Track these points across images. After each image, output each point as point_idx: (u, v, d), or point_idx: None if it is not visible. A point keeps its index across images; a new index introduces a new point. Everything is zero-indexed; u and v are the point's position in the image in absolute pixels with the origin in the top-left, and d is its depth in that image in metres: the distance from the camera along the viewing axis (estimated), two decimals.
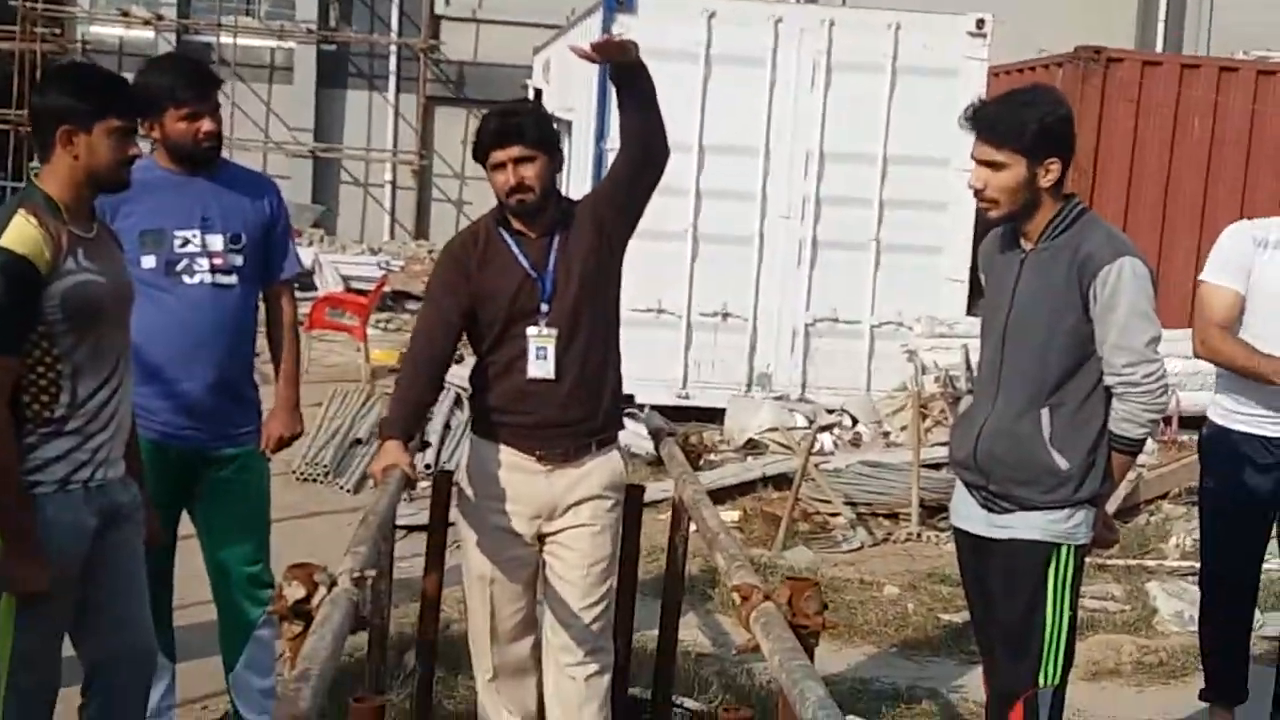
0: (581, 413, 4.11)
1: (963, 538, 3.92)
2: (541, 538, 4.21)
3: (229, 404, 4.48)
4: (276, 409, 4.64)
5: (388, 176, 21.91)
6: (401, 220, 22.15)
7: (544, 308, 4.05)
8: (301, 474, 8.60)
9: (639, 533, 4.48)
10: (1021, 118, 3.62)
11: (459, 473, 4.33)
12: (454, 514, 4.36)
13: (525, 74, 17.44)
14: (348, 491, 8.59)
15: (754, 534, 7.96)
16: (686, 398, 10.65)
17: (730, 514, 8.10)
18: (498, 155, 4.01)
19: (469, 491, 4.24)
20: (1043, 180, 3.64)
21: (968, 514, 3.85)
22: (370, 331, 12.72)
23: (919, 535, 8.10)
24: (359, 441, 9.21)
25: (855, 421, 10.35)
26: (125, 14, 20.84)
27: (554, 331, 4.05)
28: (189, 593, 4.91)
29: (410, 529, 7.75)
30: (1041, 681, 3.66)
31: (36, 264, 3.40)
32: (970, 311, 11.17)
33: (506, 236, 4.10)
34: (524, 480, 4.13)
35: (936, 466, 8.81)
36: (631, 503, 4.36)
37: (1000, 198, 3.66)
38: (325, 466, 8.75)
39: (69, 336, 3.49)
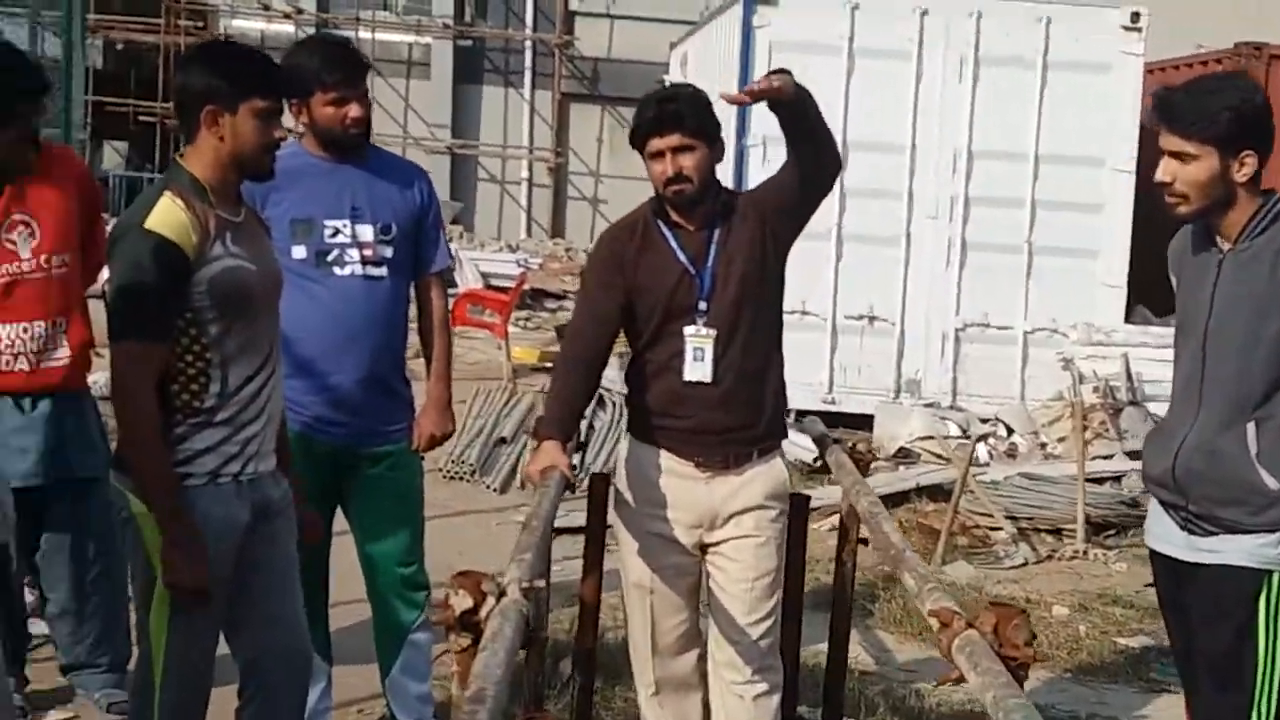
0: (741, 418, 3.92)
1: (1160, 561, 3.61)
2: (703, 548, 4.01)
3: (380, 399, 4.35)
4: (428, 406, 4.49)
5: (524, 174, 21.96)
6: (538, 218, 22.18)
7: (702, 305, 3.87)
8: (448, 472, 8.52)
9: (805, 544, 4.25)
10: (1212, 105, 3.33)
11: (616, 475, 4.15)
12: (611, 518, 4.17)
13: (660, 70, 17.27)
14: (494, 490, 8.50)
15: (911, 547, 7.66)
16: (833, 403, 10.35)
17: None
18: (655, 143, 3.82)
19: (627, 496, 4.05)
20: (1237, 174, 3.35)
21: (1165, 535, 3.55)
22: (510, 329, 12.65)
23: (1085, 553, 7.75)
24: (504, 440, 9.14)
25: (1010, 431, 9.99)
26: (266, 7, 21.10)
27: (712, 332, 3.86)
28: (345, 591, 4.79)
29: (561, 531, 7.64)
30: None
31: (183, 248, 3.28)
32: (1129, 319, 10.78)
33: (664, 228, 3.92)
34: (683, 487, 3.94)
35: (1100, 481, 8.47)
36: (796, 512, 4.14)
37: (1190, 192, 3.36)
38: (471, 465, 8.66)
39: (218, 324, 3.36)
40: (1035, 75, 10.36)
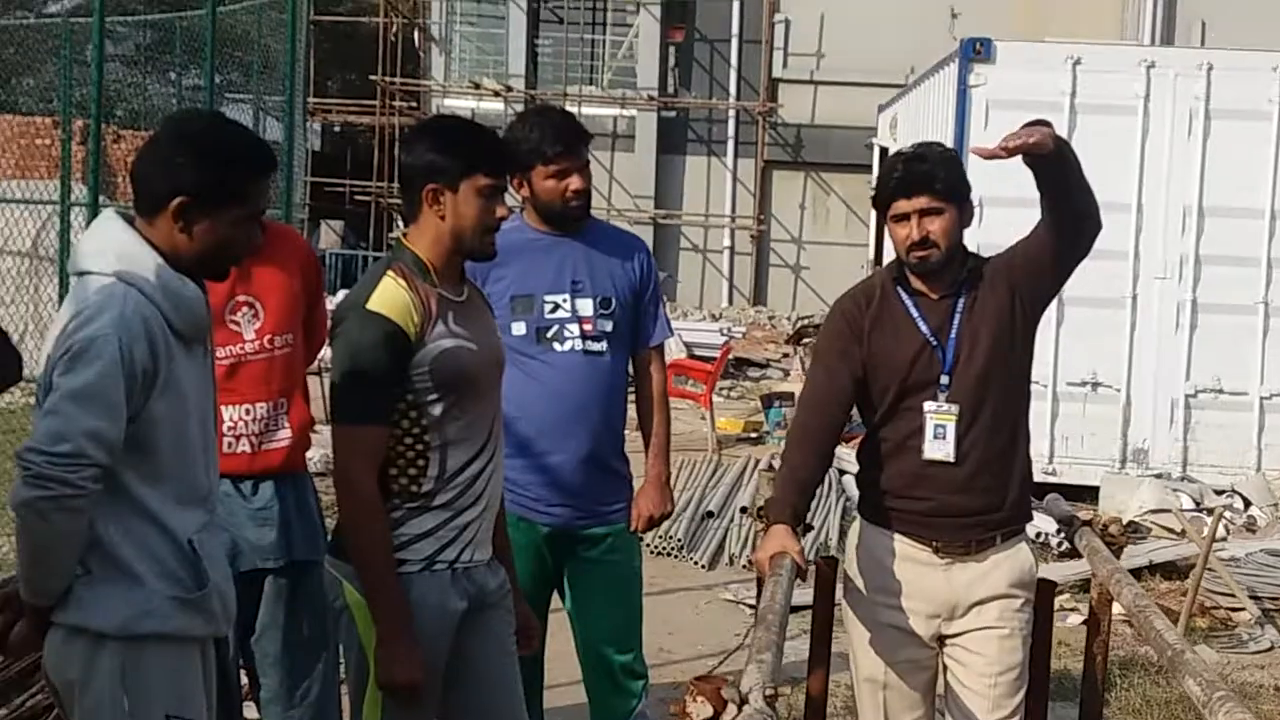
0: (985, 501, 3.66)
1: None
2: (941, 639, 3.75)
3: (600, 478, 4.22)
4: (647, 485, 4.34)
5: (726, 242, 21.93)
6: (739, 286, 22.11)
7: (944, 380, 3.63)
8: (654, 548, 8.34)
9: (1050, 634, 3.95)
10: None
11: (845, 559, 3.92)
12: (840, 603, 3.93)
13: (864, 135, 17.08)
14: (702, 567, 8.30)
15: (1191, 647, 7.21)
16: (1053, 473, 9.87)
17: (1115, 607, 7.38)
18: (902, 205, 3.61)
19: (858, 583, 3.81)
20: None
21: None
22: (715, 399, 12.52)
23: None
24: (710, 514, 8.96)
25: (1248, 504, 9.44)
26: (476, 86, 21.52)
27: (955, 408, 3.62)
28: (559, 671, 4.64)
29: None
30: None
31: (405, 328, 3.18)
32: None
33: (904, 295, 3.70)
34: (920, 574, 3.69)
35: None
36: (1042, 599, 3.84)
37: None
38: (679, 540, 8.48)
39: (438, 406, 3.25)
40: (1270, 127, 9.88)
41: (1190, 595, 7.14)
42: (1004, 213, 7.13)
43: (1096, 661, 3.86)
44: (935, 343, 3.64)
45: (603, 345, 4.17)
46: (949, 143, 10.19)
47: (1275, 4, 18.06)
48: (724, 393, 14.42)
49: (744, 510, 9.04)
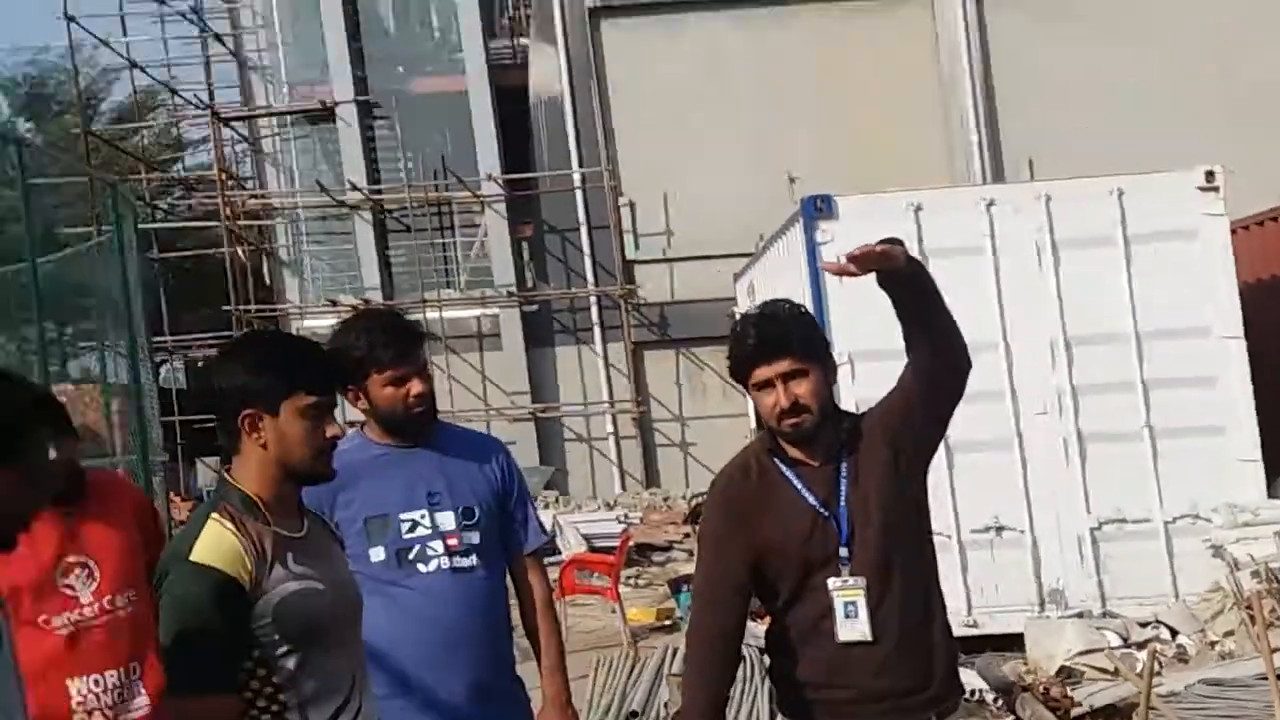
0: (911, 681, 3.37)
1: None
2: None
3: (493, 709, 3.84)
4: (546, 708, 3.98)
5: (609, 428, 21.69)
6: (630, 470, 21.81)
7: (843, 553, 3.35)
8: None
9: None
10: None
11: None
12: None
13: (725, 306, 17.06)
14: None
15: None
16: (974, 625, 9.47)
17: None
18: (762, 372, 3.36)
19: None
20: None
21: None
22: (621, 589, 12.15)
23: None
24: (635, 714, 8.52)
25: (1174, 633, 9.18)
26: (334, 302, 21.24)
27: (861, 580, 3.33)
28: None
29: None
30: None
31: (238, 577, 2.82)
32: (1271, 493, 10.03)
33: (783, 468, 3.42)
34: None
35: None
36: None
37: None
38: None
39: (290, 660, 2.89)
40: (1118, 251, 9.84)
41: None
42: (876, 366, 6.95)
43: None
44: (826, 513, 3.38)
45: (472, 560, 3.83)
46: (808, 303, 10.11)
47: (1096, 135, 18.53)
48: (630, 582, 14.02)
49: (667, 708, 8.61)
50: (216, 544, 2.83)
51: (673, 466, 21.91)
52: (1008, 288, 9.91)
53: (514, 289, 21.31)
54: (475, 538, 3.84)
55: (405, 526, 3.78)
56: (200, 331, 23.50)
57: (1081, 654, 8.69)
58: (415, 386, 3.80)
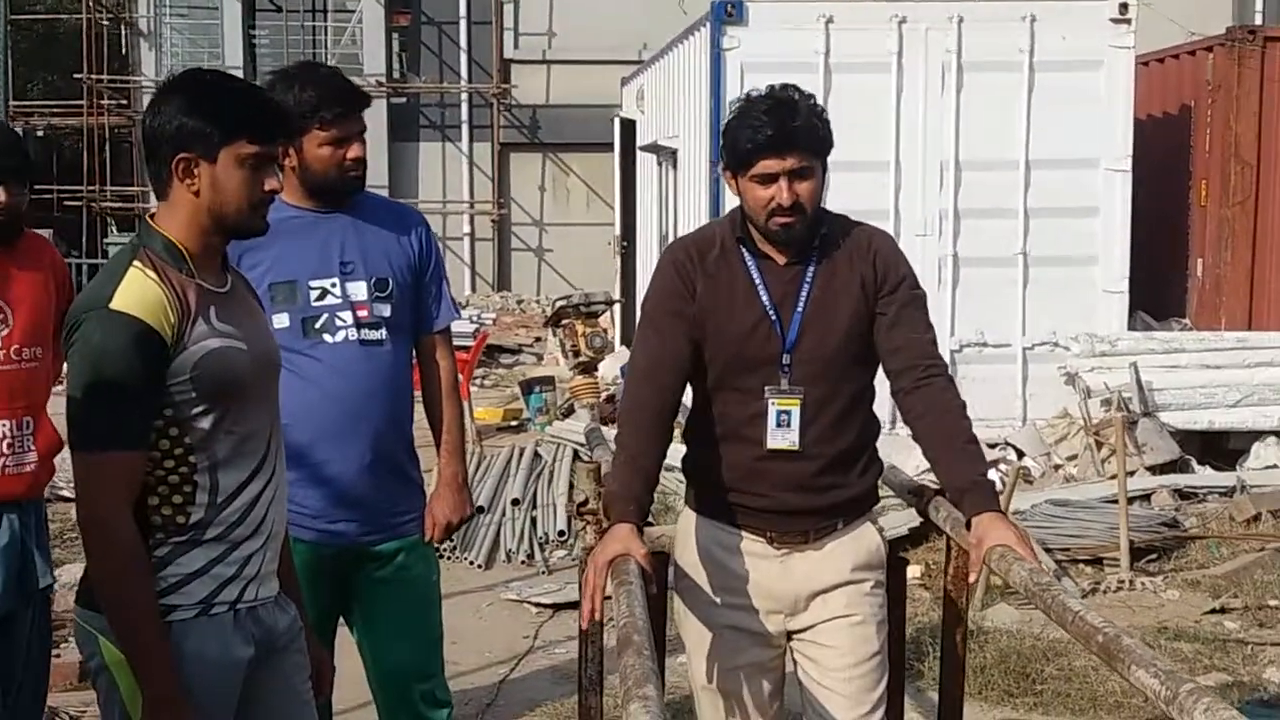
0: (830, 499, 3.28)
1: None
2: (788, 636, 3.35)
3: (388, 486, 3.70)
4: (441, 488, 3.84)
5: (465, 228, 21.41)
6: (481, 272, 21.62)
7: (785, 359, 3.20)
8: None
9: (904, 617, 3.61)
10: None
11: (675, 556, 3.45)
12: (676, 607, 3.46)
13: (601, 113, 16.80)
14: (478, 567, 7.80)
15: (940, 592, 7.03)
16: None
17: (912, 570, 7.17)
18: (770, 165, 3.10)
19: (692, 581, 3.37)
20: None
21: None
22: (470, 388, 12.06)
23: (1131, 582, 7.16)
24: (481, 510, 8.48)
25: (1021, 455, 9.41)
26: None
27: (799, 391, 3.19)
28: (344, 697, 4.05)
29: (556, 607, 6.98)
30: None
31: (160, 329, 2.61)
32: (1131, 326, 10.27)
33: (747, 257, 3.23)
34: (755, 567, 3.29)
35: (1129, 501, 7.92)
36: (895, 578, 3.49)
37: None
38: (451, 541, 7.93)
39: (205, 420, 2.69)
40: (1022, 78, 9.89)
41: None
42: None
43: (955, 638, 3.51)
44: (775, 317, 3.20)
45: (381, 333, 3.65)
46: (706, 109, 9.97)
47: None
48: (478, 381, 13.95)
49: (515, 503, 8.61)
50: (139, 293, 2.61)
51: (526, 272, 21.81)
52: (907, 108, 9.93)
53: (383, 79, 20.66)
54: (386, 311, 3.66)
55: (314, 294, 3.58)
56: (46, 99, 22.53)
57: (928, 471, 8.87)
58: (354, 149, 3.59)
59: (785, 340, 3.19)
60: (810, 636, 3.31)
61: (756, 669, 3.34)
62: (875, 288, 3.23)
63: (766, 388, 3.20)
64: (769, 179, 3.12)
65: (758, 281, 3.21)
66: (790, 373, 3.19)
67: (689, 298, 3.22)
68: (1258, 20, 18.11)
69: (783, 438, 3.19)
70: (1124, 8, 9.77)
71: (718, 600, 3.30)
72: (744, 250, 3.24)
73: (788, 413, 3.19)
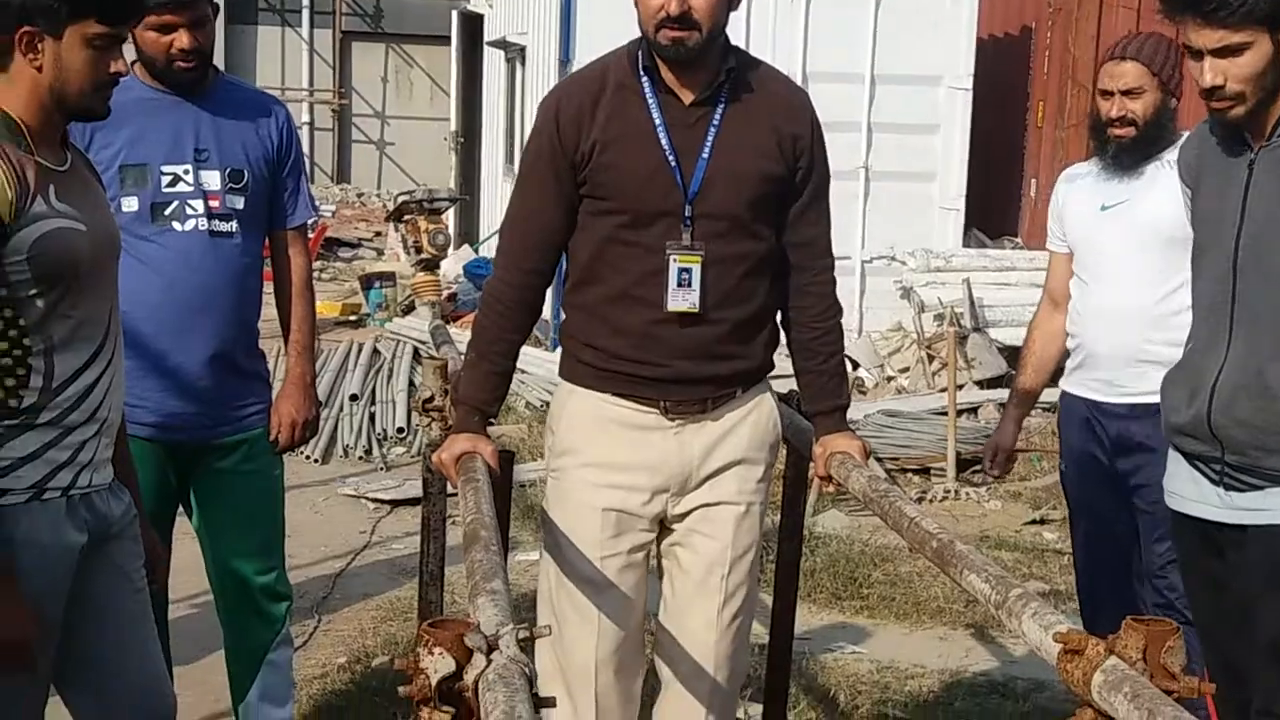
0: (729, 367, 3.05)
1: (1188, 526, 3.08)
2: (663, 525, 3.12)
3: (231, 381, 3.64)
4: (288, 387, 3.78)
5: (305, 118, 20.93)
6: (320, 163, 21.20)
7: (687, 211, 2.94)
8: None
9: (803, 507, 3.61)
10: None
11: (550, 432, 3.20)
12: (548, 494, 3.21)
13: (449, 5, 16.45)
14: (315, 461, 7.74)
15: (772, 499, 7.16)
16: None
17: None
18: None
19: (567, 460, 3.11)
20: None
21: (1196, 495, 3.03)
22: None
23: (956, 493, 7.39)
24: (354, 398, 8.57)
25: (856, 366, 9.61)
26: None
27: (701, 247, 2.94)
28: (181, 585, 4.11)
29: (394, 503, 6.97)
30: None
31: None
32: (967, 242, 10.51)
33: (648, 92, 2.95)
34: (645, 441, 3.03)
35: (957, 414, 8.15)
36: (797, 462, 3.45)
37: (1246, 89, 2.82)
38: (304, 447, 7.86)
39: (41, 301, 2.63)
40: None
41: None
42: None
43: (794, 540, 3.58)
44: (675, 163, 2.93)
45: (232, 225, 3.57)
46: (556, 6, 9.85)
47: None
48: (316, 275, 13.69)
49: (354, 398, 8.55)
50: None
51: (367, 164, 21.49)
52: (756, 23, 9.86)
53: None
54: (239, 202, 3.57)
55: (166, 180, 3.48)
56: None
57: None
58: (182, 39, 3.42)
59: (687, 191, 2.94)
60: (692, 524, 3.11)
61: (629, 559, 3.09)
62: (795, 156, 3.03)
63: (667, 243, 2.94)
64: None
65: (658, 123, 2.94)
66: (693, 227, 2.94)
67: (570, 151, 2.95)
68: None
69: (683, 298, 2.95)
70: None
71: (599, 481, 3.05)
72: (644, 83, 2.96)
73: (689, 271, 2.94)
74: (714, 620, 3.13)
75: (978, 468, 7.80)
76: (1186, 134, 3.27)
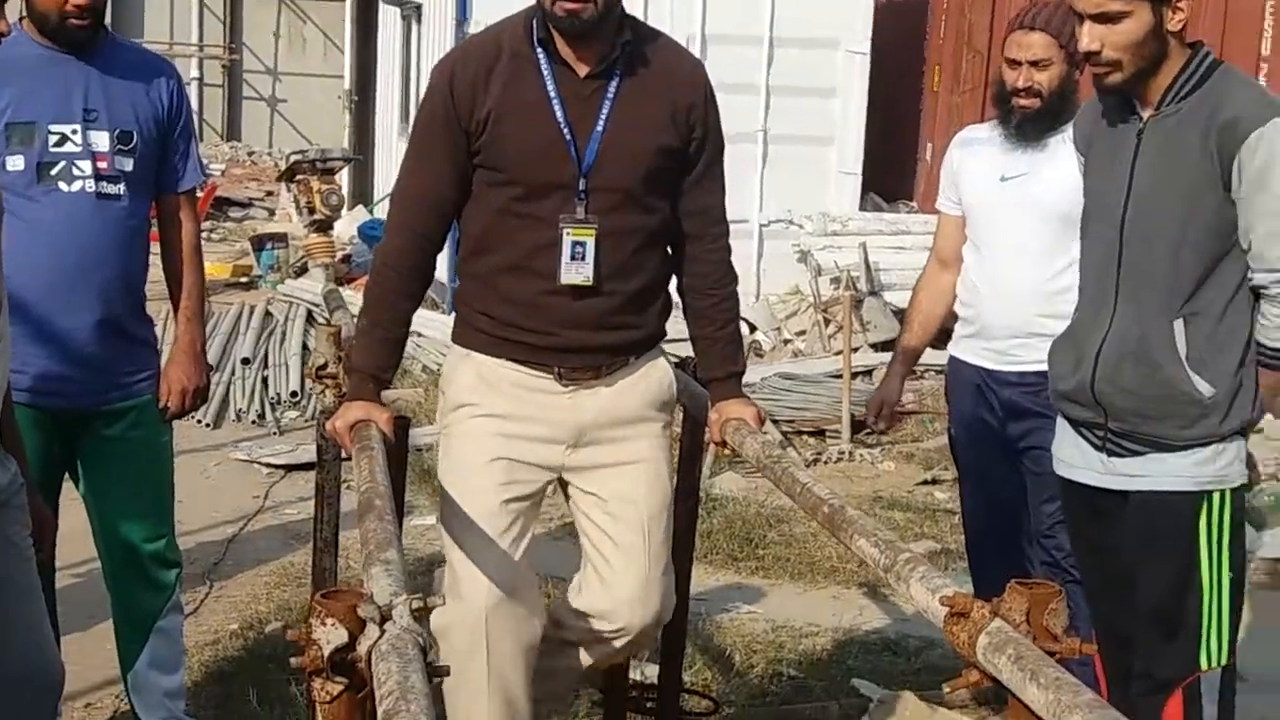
0: (620, 337, 3.07)
1: (1073, 491, 3.15)
2: (565, 483, 3.11)
3: (118, 346, 3.57)
4: (176, 353, 3.72)
5: (194, 73, 20.56)
6: (210, 120, 20.85)
7: (581, 184, 2.94)
8: None
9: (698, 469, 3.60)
10: None
11: (444, 393, 3.18)
12: (441, 451, 3.18)
13: None
14: (206, 425, 7.64)
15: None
16: None
17: None
18: None
19: (465, 415, 3.08)
20: (1171, 23, 2.89)
21: (1080, 460, 3.10)
22: None
23: (850, 454, 7.48)
24: (246, 361, 8.49)
25: (753, 329, 9.67)
26: None
27: (595, 221, 2.94)
28: (68, 553, 3.98)
29: (288, 468, 6.91)
30: (1205, 663, 2.96)
31: None
32: (861, 207, 10.60)
33: (543, 62, 2.93)
34: (539, 402, 3.05)
35: (852, 376, 8.24)
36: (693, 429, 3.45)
37: (1123, 57, 2.88)
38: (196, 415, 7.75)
39: None
40: None
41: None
42: None
43: (689, 503, 3.58)
44: (570, 137, 2.92)
45: (120, 188, 3.50)
46: None
47: None
48: (205, 235, 13.49)
49: (245, 362, 8.46)
50: None
51: (258, 122, 21.18)
52: None
53: None
54: (128, 165, 3.50)
55: (53, 140, 3.40)
56: None
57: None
58: None
59: (581, 165, 2.93)
60: (597, 488, 3.10)
61: (521, 505, 3.05)
62: (689, 128, 3.03)
63: (561, 216, 2.94)
64: None
65: (552, 95, 2.93)
66: (587, 200, 2.94)
67: (465, 119, 2.93)
68: None
69: (576, 272, 2.95)
70: None
71: (490, 430, 3.04)
72: (540, 57, 2.95)
73: (583, 244, 2.94)
74: (645, 578, 3.11)
75: (871, 430, 7.92)
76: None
